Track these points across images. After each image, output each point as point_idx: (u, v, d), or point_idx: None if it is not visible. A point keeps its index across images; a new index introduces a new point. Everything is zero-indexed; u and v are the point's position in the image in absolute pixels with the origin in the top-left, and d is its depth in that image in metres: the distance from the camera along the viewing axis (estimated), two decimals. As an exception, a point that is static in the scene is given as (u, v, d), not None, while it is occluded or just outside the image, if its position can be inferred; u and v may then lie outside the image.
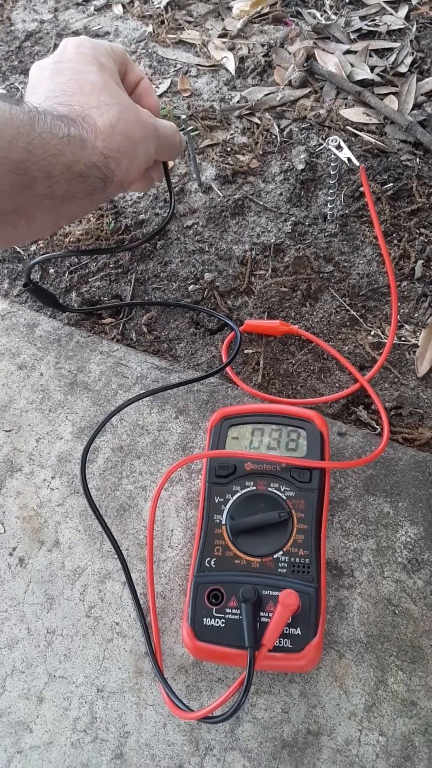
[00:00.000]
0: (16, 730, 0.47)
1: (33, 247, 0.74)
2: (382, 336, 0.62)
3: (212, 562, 0.48)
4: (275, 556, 0.47)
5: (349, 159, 0.59)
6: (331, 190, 0.67)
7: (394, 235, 0.69)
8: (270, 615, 0.45)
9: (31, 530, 0.55)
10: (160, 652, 0.48)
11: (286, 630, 0.44)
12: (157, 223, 0.73)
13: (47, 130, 0.41)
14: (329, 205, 0.70)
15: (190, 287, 0.68)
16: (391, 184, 0.71)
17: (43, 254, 0.71)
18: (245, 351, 0.63)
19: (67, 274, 0.71)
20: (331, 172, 0.65)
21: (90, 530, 0.55)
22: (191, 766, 0.44)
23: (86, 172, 0.44)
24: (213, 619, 0.46)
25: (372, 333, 0.62)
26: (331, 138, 0.61)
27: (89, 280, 0.70)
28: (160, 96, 0.86)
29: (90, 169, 0.44)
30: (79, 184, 0.44)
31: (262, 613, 0.45)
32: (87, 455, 0.56)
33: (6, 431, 0.61)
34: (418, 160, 0.73)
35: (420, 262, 0.66)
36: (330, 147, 0.60)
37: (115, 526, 0.54)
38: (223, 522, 0.49)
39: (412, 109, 0.79)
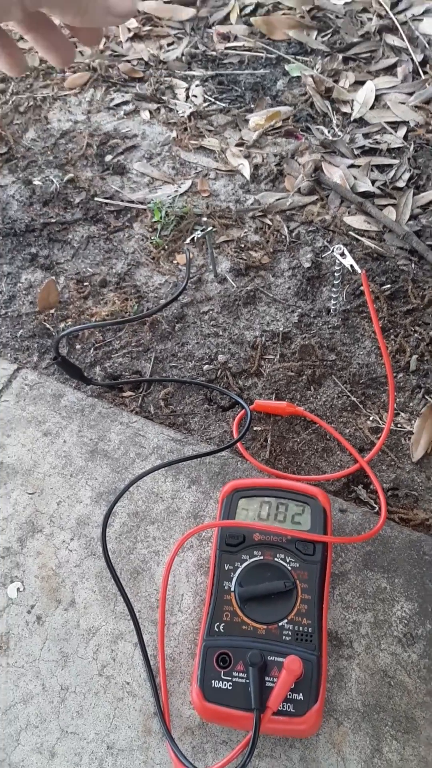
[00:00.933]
0: (26, 785, 0.49)
1: (62, 324, 0.80)
2: (380, 421, 0.68)
3: (221, 627, 0.51)
4: (280, 623, 0.51)
5: (351, 266, 0.67)
6: (334, 289, 0.75)
7: (391, 331, 0.76)
8: (274, 680, 0.48)
9: (49, 589, 0.59)
10: (169, 713, 0.51)
11: (289, 695, 0.48)
12: (177, 307, 0.80)
13: None
14: (332, 301, 0.77)
15: (205, 367, 0.75)
16: (389, 286, 0.80)
17: (68, 329, 0.77)
18: (254, 428, 0.69)
19: (92, 350, 0.77)
20: (335, 274, 0.73)
21: (104, 591, 0.58)
22: None
23: None
24: (221, 682, 0.49)
25: (371, 418, 0.69)
26: (336, 246, 0.69)
27: (112, 356, 0.76)
28: (182, 195, 0.96)
29: None
30: None
31: (267, 678, 0.48)
32: (108, 520, 0.60)
33: (29, 494, 0.65)
34: (413, 265, 0.82)
35: (414, 356, 0.73)
36: (335, 254, 0.68)
37: (129, 589, 0.58)
38: (232, 589, 0.53)
39: (409, 219, 0.88)
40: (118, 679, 0.53)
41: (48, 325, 0.80)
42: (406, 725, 0.50)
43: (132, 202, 0.95)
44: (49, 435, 0.69)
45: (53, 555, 0.61)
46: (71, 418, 0.70)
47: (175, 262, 0.87)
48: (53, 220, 0.92)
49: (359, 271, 0.65)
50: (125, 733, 0.50)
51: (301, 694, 0.48)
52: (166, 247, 0.88)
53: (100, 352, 0.77)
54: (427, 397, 0.70)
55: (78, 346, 0.78)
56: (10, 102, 1.14)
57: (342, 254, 0.69)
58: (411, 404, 0.70)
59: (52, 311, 0.82)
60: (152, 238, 0.89)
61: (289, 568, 0.54)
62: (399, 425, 0.68)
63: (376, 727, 0.50)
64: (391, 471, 0.65)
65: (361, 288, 0.80)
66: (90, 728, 0.51)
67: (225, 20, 1.26)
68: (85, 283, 0.85)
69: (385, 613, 0.55)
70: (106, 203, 0.95)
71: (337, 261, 0.70)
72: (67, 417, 0.70)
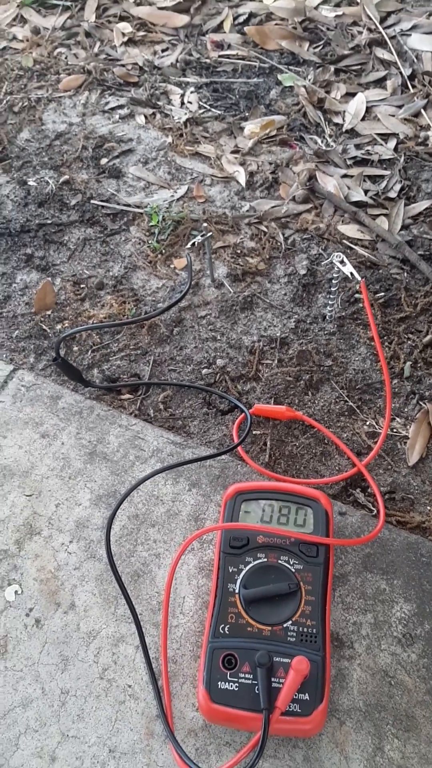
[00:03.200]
0: (27, 790, 0.48)
1: (59, 326, 0.80)
2: (377, 426, 0.69)
3: (226, 629, 0.52)
4: (285, 625, 0.51)
5: (351, 273, 0.68)
6: (330, 296, 0.76)
7: (385, 338, 0.77)
8: (281, 681, 0.48)
9: (48, 592, 0.58)
10: (171, 715, 0.51)
11: (296, 695, 0.48)
12: (175, 312, 0.81)
13: None
14: (328, 308, 0.79)
15: (204, 371, 0.75)
16: (383, 294, 0.81)
17: (69, 330, 0.77)
18: (254, 432, 0.69)
19: (90, 352, 0.77)
20: (333, 281, 0.74)
21: (105, 594, 0.58)
22: None
23: None
24: (227, 683, 0.49)
25: (368, 423, 0.70)
26: (336, 254, 0.70)
27: (110, 358, 0.76)
28: (178, 200, 0.96)
29: None
30: None
31: (273, 679, 0.49)
32: (112, 522, 0.59)
33: (27, 496, 0.64)
34: (405, 274, 0.84)
35: (408, 363, 0.74)
36: (335, 262, 0.70)
37: (130, 591, 0.58)
38: (237, 591, 0.54)
39: (401, 229, 0.90)
40: (119, 682, 0.53)
41: (44, 327, 0.80)
42: (407, 723, 0.51)
43: (128, 205, 0.95)
44: (47, 437, 0.69)
45: (52, 557, 0.60)
46: (69, 420, 0.70)
47: (172, 266, 0.87)
48: (49, 222, 0.92)
49: (359, 278, 0.66)
50: (127, 736, 0.50)
51: (307, 694, 0.48)
52: (163, 251, 0.88)
53: (98, 355, 0.77)
54: (421, 402, 0.71)
55: (75, 348, 0.78)
56: (4, 102, 1.14)
57: (341, 262, 0.70)
58: (406, 410, 0.71)
59: (49, 312, 0.81)
60: (149, 242, 0.89)
61: (293, 570, 0.54)
62: (395, 430, 0.69)
63: (377, 726, 0.51)
64: (387, 475, 0.66)
65: (356, 296, 0.82)
66: (91, 732, 0.50)
67: (218, 29, 1.27)
68: (82, 285, 0.84)
69: (384, 614, 0.56)
70: (102, 206, 0.95)
71: (336, 268, 0.71)
72: (65, 419, 0.70)
